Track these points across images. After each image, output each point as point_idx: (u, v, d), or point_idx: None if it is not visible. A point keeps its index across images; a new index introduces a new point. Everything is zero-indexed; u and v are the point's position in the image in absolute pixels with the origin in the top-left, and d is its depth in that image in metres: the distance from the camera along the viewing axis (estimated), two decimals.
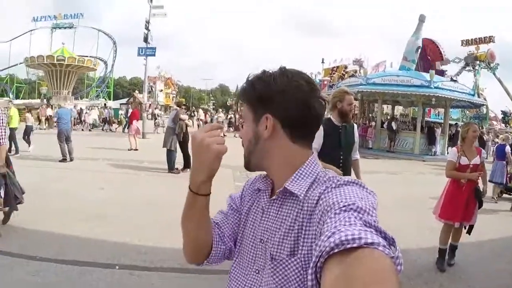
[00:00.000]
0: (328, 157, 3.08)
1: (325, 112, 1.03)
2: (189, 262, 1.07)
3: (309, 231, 0.82)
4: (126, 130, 17.79)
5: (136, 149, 13.60)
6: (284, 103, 0.91)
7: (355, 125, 3.94)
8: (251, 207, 1.03)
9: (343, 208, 0.69)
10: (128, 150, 13.50)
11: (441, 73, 24.78)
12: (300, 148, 0.93)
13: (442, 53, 28.48)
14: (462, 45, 37.16)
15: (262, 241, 0.92)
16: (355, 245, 0.53)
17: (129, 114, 17.19)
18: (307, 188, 0.88)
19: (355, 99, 21.10)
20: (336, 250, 0.54)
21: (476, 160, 4.20)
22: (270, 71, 0.94)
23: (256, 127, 0.94)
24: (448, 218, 4.27)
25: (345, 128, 3.68)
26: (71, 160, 10.43)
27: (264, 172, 1.02)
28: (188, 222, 1.00)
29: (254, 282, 0.93)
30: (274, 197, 0.93)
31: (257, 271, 0.93)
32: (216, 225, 1.06)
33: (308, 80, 0.93)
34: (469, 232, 4.27)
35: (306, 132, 0.95)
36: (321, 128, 2.98)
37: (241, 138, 1.00)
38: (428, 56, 27.66)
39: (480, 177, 4.29)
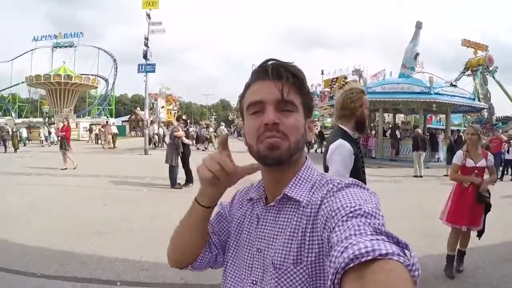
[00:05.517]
0: None
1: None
2: (172, 266, 1.05)
3: (314, 237, 0.79)
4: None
5: (65, 168, 12.53)
6: (312, 107, 0.96)
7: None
8: (244, 217, 0.99)
9: (350, 215, 0.67)
10: (61, 169, 12.38)
11: None
12: None
13: None
14: (462, 44, 37.48)
15: (259, 251, 0.88)
16: (369, 258, 0.51)
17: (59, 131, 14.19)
18: (308, 193, 0.85)
19: None
20: (351, 265, 0.52)
21: (482, 163, 4.15)
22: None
23: (305, 125, 0.90)
24: (454, 221, 4.21)
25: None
26: None
27: (256, 181, 0.99)
28: (182, 228, 0.98)
29: None
30: (271, 204, 0.89)
31: (254, 282, 0.88)
32: None
33: None
34: (479, 236, 4.20)
35: None
36: (346, 145, 2.39)
37: (277, 123, 0.84)
38: None
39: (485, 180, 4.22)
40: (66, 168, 12.51)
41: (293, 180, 0.88)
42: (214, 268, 1.07)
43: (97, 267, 4.12)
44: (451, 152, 13.74)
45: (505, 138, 15.17)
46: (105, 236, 5.23)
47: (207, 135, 24.64)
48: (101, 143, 27.31)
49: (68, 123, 13.99)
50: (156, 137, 25.36)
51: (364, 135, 2.59)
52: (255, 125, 0.85)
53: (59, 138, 14.05)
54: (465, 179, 4.19)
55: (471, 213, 4.10)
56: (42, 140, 28.60)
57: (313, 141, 24.17)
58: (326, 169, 2.50)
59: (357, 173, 2.40)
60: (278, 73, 0.84)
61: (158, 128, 26.33)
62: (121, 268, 4.13)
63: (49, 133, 28.83)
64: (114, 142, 25.19)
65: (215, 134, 25.44)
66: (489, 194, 4.13)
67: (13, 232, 5.20)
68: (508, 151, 13.52)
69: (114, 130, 26.52)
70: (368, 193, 0.77)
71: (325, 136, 25.40)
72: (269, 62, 0.87)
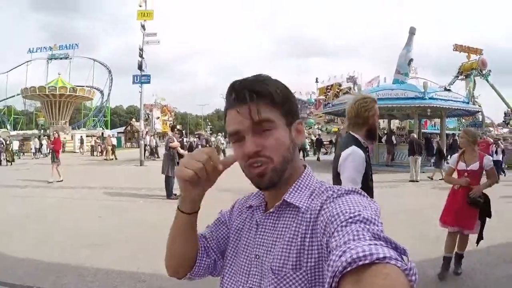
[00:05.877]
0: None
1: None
2: (170, 275, 1.04)
3: (313, 243, 0.79)
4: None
5: (61, 180, 12.44)
6: (296, 109, 0.93)
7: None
8: (243, 224, 0.99)
9: (349, 220, 0.67)
10: (57, 181, 12.19)
11: None
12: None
13: None
14: (453, 49, 37.92)
15: (257, 257, 0.88)
16: (367, 261, 0.52)
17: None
18: (307, 199, 0.86)
19: None
20: (349, 269, 0.53)
21: (474, 166, 4.12)
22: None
23: (290, 133, 0.88)
24: (444, 222, 4.27)
25: None
26: None
27: (255, 190, 0.98)
28: (171, 237, 0.99)
29: None
30: (270, 210, 0.90)
31: None
32: (203, 238, 1.03)
33: None
34: (477, 242, 4.16)
35: None
36: (360, 152, 2.43)
37: (255, 150, 0.83)
38: None
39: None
40: (62, 180, 12.41)
41: (292, 187, 0.88)
42: (214, 276, 1.06)
43: (93, 279, 4.08)
44: (439, 155, 13.90)
45: (491, 140, 15.27)
46: (101, 248, 5.19)
47: (215, 145, 24.53)
48: (96, 155, 27.22)
49: (58, 135, 13.99)
50: (149, 148, 25.45)
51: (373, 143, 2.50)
52: (239, 155, 0.85)
53: (49, 151, 13.99)
54: (455, 182, 4.26)
55: (461, 215, 4.11)
56: (33, 152, 28.31)
57: (308, 148, 24.21)
58: (336, 175, 2.49)
59: (366, 179, 2.42)
60: (243, 97, 0.83)
61: (150, 139, 26.31)
62: (118, 280, 4.09)
63: (41, 145, 28.73)
64: (113, 153, 25.32)
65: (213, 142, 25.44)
66: (488, 200, 4.11)
67: (8, 244, 5.16)
68: (496, 152, 13.57)
69: (114, 141, 26.88)
70: (367, 200, 0.78)
71: (324, 143, 25.41)
72: (234, 86, 0.86)
